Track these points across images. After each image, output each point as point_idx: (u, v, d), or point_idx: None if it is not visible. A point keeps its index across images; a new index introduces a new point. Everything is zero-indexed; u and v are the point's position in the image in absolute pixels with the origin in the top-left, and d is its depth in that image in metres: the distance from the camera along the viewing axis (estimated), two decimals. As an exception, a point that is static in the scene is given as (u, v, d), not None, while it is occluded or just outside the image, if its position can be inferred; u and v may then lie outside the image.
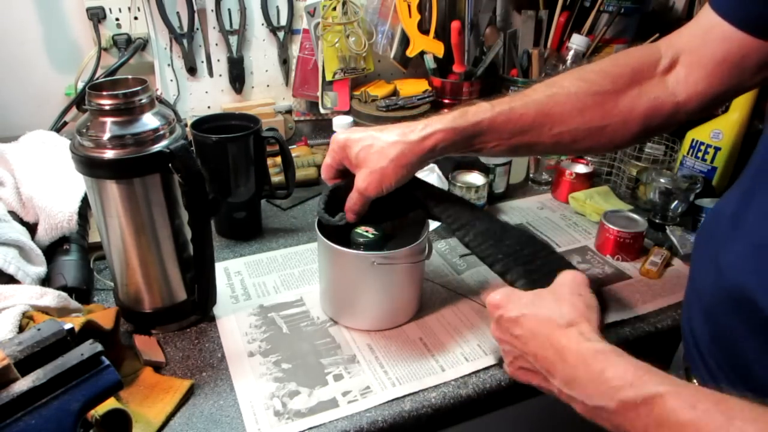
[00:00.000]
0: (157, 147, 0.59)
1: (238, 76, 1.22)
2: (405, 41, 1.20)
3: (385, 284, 0.67)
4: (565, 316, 0.52)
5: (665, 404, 0.41)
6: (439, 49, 1.18)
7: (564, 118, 0.63)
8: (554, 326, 0.51)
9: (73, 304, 0.65)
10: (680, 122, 0.66)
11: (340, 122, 1.05)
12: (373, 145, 0.62)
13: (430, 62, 1.20)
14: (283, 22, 1.21)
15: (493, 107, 0.63)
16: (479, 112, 0.63)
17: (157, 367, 0.63)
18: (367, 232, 0.68)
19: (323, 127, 1.25)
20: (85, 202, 0.78)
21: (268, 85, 1.27)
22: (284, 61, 1.24)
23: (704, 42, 0.61)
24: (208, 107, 1.23)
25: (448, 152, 0.63)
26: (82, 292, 0.71)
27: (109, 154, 0.57)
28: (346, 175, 0.67)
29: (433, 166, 0.90)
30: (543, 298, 0.55)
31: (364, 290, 0.68)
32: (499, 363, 0.65)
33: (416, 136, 0.62)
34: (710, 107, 0.65)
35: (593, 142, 0.66)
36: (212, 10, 1.15)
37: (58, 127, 1.08)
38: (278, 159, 0.92)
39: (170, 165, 0.60)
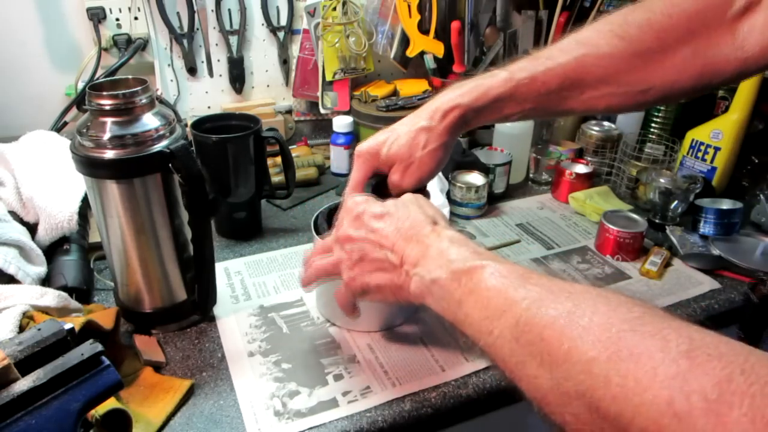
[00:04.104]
0: (157, 147, 0.59)
1: (238, 76, 1.22)
2: (405, 41, 1.20)
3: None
4: (429, 215, 0.53)
5: (482, 273, 0.44)
6: (439, 49, 1.18)
7: (596, 84, 0.57)
8: (423, 223, 0.52)
9: (74, 304, 0.65)
10: (746, 77, 0.59)
11: (340, 122, 1.05)
12: (399, 137, 0.60)
13: (430, 62, 1.20)
14: (283, 22, 1.21)
15: (512, 76, 0.58)
16: (498, 85, 0.59)
17: (157, 367, 0.63)
18: None
19: (323, 127, 1.25)
20: (85, 202, 0.78)
21: (268, 85, 1.27)
22: (284, 61, 1.25)
23: None
24: (208, 107, 1.23)
25: (471, 126, 0.62)
26: (82, 292, 0.71)
27: (109, 154, 0.58)
28: (379, 188, 0.64)
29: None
30: (405, 203, 0.55)
31: None
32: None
33: (439, 114, 0.60)
34: None
35: (632, 103, 0.59)
36: (212, 10, 1.15)
37: (58, 127, 1.08)
38: (278, 159, 0.92)
39: (170, 165, 0.60)
